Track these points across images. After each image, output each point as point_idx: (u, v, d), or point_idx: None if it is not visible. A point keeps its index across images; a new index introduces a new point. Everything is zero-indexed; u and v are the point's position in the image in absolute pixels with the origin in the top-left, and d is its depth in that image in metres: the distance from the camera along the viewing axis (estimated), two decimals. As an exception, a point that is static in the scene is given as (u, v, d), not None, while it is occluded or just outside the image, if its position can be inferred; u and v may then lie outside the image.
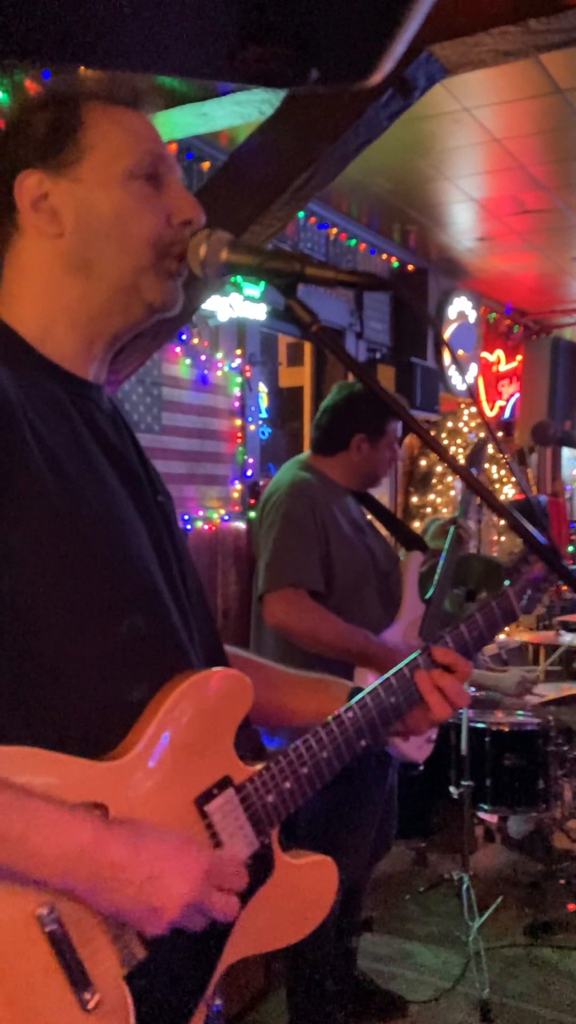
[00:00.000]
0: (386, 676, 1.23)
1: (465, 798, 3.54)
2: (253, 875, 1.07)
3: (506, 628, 1.37)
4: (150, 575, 1.08)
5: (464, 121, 4.06)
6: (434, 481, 6.34)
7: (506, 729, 3.73)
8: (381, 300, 5.90)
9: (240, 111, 2.34)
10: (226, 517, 4.41)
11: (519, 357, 7.59)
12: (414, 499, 6.35)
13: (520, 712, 4.01)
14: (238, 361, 4.52)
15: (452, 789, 3.66)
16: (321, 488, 2.59)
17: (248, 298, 4.36)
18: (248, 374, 4.58)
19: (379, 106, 2.18)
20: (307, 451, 2.78)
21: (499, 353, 7.75)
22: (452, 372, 6.57)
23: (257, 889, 1.12)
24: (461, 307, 6.84)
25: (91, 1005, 0.92)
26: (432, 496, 6.32)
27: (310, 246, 5.12)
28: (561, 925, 3.52)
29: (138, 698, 1.02)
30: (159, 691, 1.03)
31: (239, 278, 3.77)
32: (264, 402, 4.76)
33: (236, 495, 4.54)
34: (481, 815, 4.13)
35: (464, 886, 3.40)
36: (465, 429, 6.70)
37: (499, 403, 7.78)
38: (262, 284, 3.65)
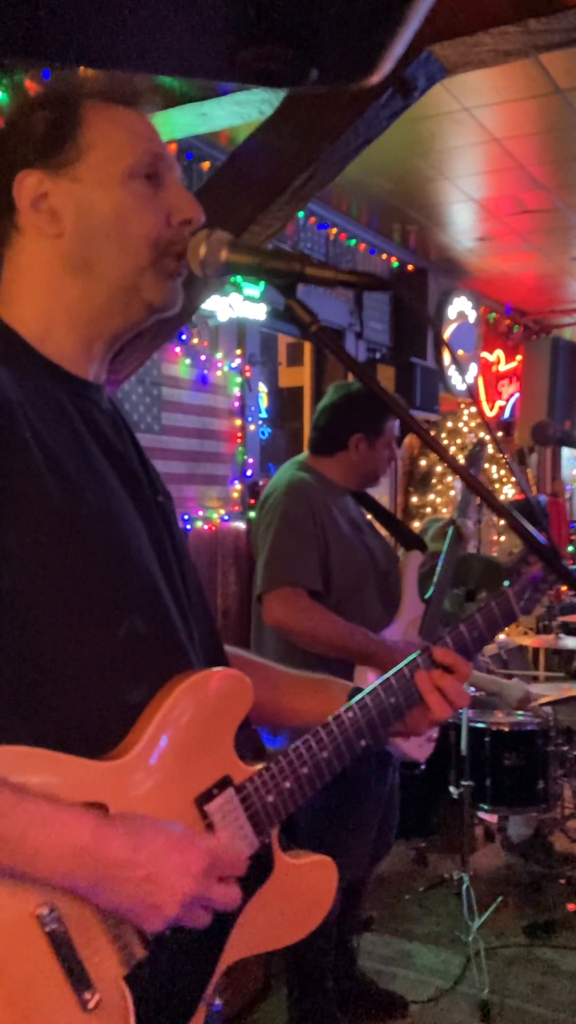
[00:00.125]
0: (386, 676, 1.23)
1: (465, 798, 3.55)
2: (253, 875, 1.07)
3: (506, 628, 1.37)
4: (150, 575, 1.08)
5: (464, 121, 4.06)
6: (434, 481, 6.34)
7: (506, 729, 3.73)
8: (381, 300, 5.90)
9: (240, 111, 2.33)
10: (226, 517, 4.41)
11: (519, 357, 7.59)
12: (414, 499, 6.35)
13: (520, 712, 4.01)
14: (238, 361, 4.52)
15: (452, 789, 3.66)
16: (319, 488, 2.59)
17: (248, 298, 4.36)
18: (248, 374, 4.58)
19: (379, 106, 2.18)
20: (305, 451, 2.78)
21: (499, 353, 7.75)
22: (452, 372, 6.57)
23: (257, 889, 1.12)
24: (461, 307, 6.84)
25: (91, 1005, 0.92)
26: (432, 496, 6.32)
27: (310, 246, 5.12)
28: (561, 925, 3.51)
29: (138, 698, 1.02)
30: (159, 691, 1.03)
31: (239, 278, 3.77)
32: (264, 402, 4.76)
33: (236, 495, 4.54)
34: (481, 815, 4.13)
35: (464, 886, 3.40)
36: (465, 429, 6.70)
37: (499, 403, 7.79)
38: (262, 284, 3.65)
